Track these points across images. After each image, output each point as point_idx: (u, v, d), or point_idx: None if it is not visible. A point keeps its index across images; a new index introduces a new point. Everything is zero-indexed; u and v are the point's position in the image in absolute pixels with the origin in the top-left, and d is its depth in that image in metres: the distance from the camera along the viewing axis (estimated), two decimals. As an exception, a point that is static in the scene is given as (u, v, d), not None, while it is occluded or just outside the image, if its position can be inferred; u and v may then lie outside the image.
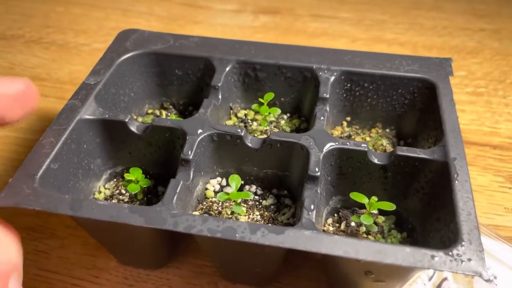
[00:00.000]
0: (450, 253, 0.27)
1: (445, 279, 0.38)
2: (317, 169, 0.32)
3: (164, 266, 0.39)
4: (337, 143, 0.34)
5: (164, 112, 0.44)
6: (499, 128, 0.52)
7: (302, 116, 0.43)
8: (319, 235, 0.28)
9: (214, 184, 0.38)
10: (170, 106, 0.45)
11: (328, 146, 0.34)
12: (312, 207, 0.30)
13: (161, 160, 0.39)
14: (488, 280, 0.26)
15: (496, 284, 0.37)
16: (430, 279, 0.38)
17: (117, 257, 0.39)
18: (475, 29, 0.68)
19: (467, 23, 0.70)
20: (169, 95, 0.45)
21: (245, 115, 0.43)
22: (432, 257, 0.26)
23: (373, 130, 0.42)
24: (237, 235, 0.28)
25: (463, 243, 0.27)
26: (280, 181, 0.38)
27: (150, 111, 0.45)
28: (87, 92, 0.38)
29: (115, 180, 0.40)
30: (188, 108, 0.45)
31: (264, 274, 0.36)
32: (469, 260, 0.26)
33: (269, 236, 0.28)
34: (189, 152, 0.34)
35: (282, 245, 0.27)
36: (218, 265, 0.37)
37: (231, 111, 0.43)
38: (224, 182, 0.38)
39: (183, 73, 0.43)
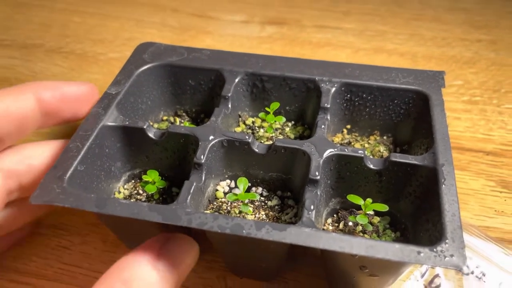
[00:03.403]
0: (435, 250, 0.30)
1: (436, 275, 0.41)
2: (317, 173, 0.36)
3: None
4: (336, 150, 0.37)
5: (178, 119, 0.48)
6: (493, 135, 0.55)
7: (306, 124, 0.46)
8: (318, 232, 0.31)
9: (223, 185, 0.41)
10: (184, 114, 0.49)
11: (327, 152, 0.37)
12: (312, 207, 0.34)
13: (175, 163, 0.42)
14: (467, 274, 0.29)
15: (484, 281, 0.40)
16: (422, 275, 0.41)
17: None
18: (472, 40, 0.71)
19: (465, 34, 0.73)
20: (182, 103, 0.49)
21: (253, 122, 0.46)
22: (418, 252, 0.30)
23: (372, 138, 0.45)
24: (244, 231, 0.31)
25: (446, 241, 0.30)
26: (284, 184, 0.41)
27: (165, 118, 0.48)
28: (109, 101, 0.41)
29: (133, 181, 0.43)
30: (200, 116, 0.49)
31: (269, 269, 0.39)
32: (452, 256, 0.30)
33: (273, 233, 0.31)
34: (202, 157, 0.37)
35: (284, 241, 0.31)
36: (226, 260, 0.40)
37: (240, 118, 0.46)
38: (233, 184, 0.41)
39: (196, 83, 0.47)
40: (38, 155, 0.38)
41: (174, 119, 0.48)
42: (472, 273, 0.41)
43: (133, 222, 0.34)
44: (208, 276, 0.42)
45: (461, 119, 0.57)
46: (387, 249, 0.30)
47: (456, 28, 0.74)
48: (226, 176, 0.41)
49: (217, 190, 0.41)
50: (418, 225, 0.37)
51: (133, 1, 0.84)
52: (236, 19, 0.79)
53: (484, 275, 0.41)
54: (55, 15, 0.81)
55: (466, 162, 0.52)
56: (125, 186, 0.43)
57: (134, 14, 0.80)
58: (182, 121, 0.48)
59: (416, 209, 0.37)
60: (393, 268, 0.33)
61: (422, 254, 0.30)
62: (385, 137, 0.45)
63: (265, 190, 0.42)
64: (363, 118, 0.45)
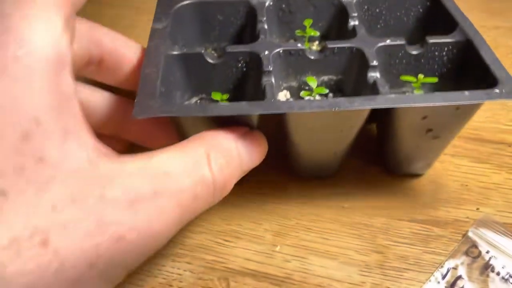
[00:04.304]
0: (497, 90, 0.36)
1: (459, 277, 0.39)
2: (375, 61, 0.41)
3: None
4: (381, 43, 0.43)
5: (210, 56, 0.50)
6: None
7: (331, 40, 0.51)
8: (401, 96, 0.36)
9: (281, 96, 0.44)
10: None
11: (376, 45, 0.42)
12: (384, 85, 0.39)
13: (231, 87, 0.45)
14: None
15: (511, 283, 0.38)
16: (443, 277, 0.39)
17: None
18: (489, 27, 0.69)
19: (481, 20, 0.68)
20: (211, 40, 0.51)
21: (283, 46, 0.50)
22: (486, 93, 0.36)
23: (388, 43, 0.51)
24: (341, 105, 0.35)
25: (502, 84, 0.37)
26: (335, 85, 0.45)
27: (196, 57, 0.50)
28: (161, 34, 0.43)
29: (191, 111, 0.45)
30: (230, 50, 0.51)
31: (338, 158, 0.44)
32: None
33: (365, 102, 0.35)
34: (269, 66, 0.40)
35: (377, 106, 0.35)
36: (298, 160, 0.44)
37: (271, 44, 0.50)
38: (288, 95, 0.45)
39: (225, 17, 0.49)
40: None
41: (208, 55, 0.50)
42: (498, 274, 0.39)
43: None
44: (208, 278, 0.40)
45: (481, 109, 0.55)
46: (461, 96, 0.36)
47: (471, 14, 0.69)
48: (282, 87, 0.45)
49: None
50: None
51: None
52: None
53: (511, 276, 0.39)
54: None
55: (487, 154, 0.50)
56: (187, 115, 0.44)
57: (133, 1, 0.77)
58: (216, 56, 0.51)
59: (456, 84, 0.43)
60: (457, 122, 0.39)
61: (489, 94, 0.36)
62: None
63: (317, 95, 0.46)
64: (379, 26, 0.51)
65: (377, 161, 0.48)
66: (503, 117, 0.54)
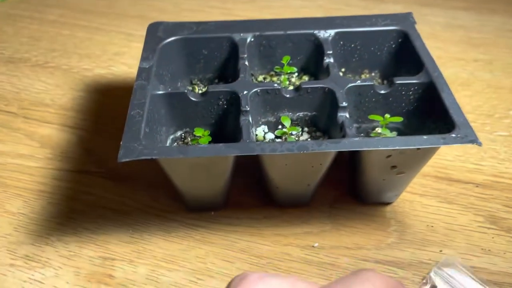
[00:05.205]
0: (453, 135, 0.39)
1: None
2: (344, 102, 0.44)
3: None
4: (352, 83, 0.46)
5: (196, 88, 0.54)
6: (483, 165, 0.54)
7: (308, 73, 0.54)
8: (365, 139, 0.40)
9: (260, 131, 0.48)
10: (198, 82, 0.54)
11: (347, 86, 0.46)
12: (350, 126, 0.42)
13: (212, 122, 0.48)
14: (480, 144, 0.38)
15: None
16: None
17: (187, 202, 0.48)
18: (468, 60, 0.70)
19: (461, 53, 0.72)
20: (196, 72, 0.54)
21: (264, 78, 0.53)
22: (443, 138, 0.39)
23: (362, 76, 0.55)
24: (309, 148, 0.38)
25: (458, 129, 0.40)
26: (310, 121, 0.49)
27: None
28: (147, 74, 0.46)
29: (175, 144, 0.48)
30: (214, 81, 0.55)
31: (311, 189, 0.47)
32: (466, 136, 0.39)
33: (331, 146, 0.39)
34: (247, 106, 0.44)
35: (343, 149, 0.39)
36: (275, 190, 0.47)
37: (253, 77, 0.53)
38: (266, 129, 0.48)
39: (209, 52, 0.53)
40: None
41: (193, 88, 0.54)
42: None
43: (204, 164, 0.40)
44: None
45: (451, 147, 0.55)
46: (419, 141, 0.39)
47: (452, 46, 0.73)
48: (260, 122, 0.48)
49: (256, 134, 0.47)
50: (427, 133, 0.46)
51: (124, 13, 0.83)
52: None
53: None
54: (45, 27, 0.80)
55: (455, 194, 0.50)
56: (172, 148, 0.48)
57: (125, 27, 0.80)
58: (200, 88, 0.54)
59: (422, 121, 0.47)
60: (418, 161, 0.43)
61: (445, 139, 0.39)
62: (373, 74, 0.55)
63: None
64: (354, 59, 0.54)
65: (350, 189, 0.51)
66: (473, 156, 0.54)
